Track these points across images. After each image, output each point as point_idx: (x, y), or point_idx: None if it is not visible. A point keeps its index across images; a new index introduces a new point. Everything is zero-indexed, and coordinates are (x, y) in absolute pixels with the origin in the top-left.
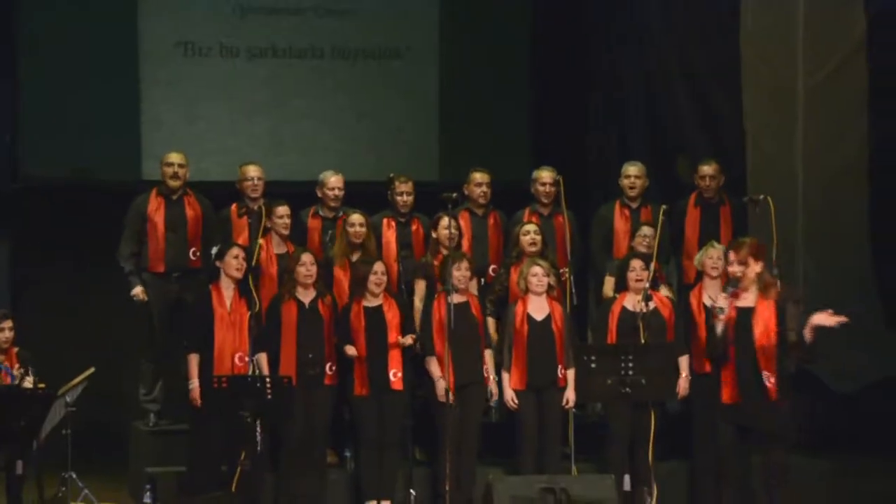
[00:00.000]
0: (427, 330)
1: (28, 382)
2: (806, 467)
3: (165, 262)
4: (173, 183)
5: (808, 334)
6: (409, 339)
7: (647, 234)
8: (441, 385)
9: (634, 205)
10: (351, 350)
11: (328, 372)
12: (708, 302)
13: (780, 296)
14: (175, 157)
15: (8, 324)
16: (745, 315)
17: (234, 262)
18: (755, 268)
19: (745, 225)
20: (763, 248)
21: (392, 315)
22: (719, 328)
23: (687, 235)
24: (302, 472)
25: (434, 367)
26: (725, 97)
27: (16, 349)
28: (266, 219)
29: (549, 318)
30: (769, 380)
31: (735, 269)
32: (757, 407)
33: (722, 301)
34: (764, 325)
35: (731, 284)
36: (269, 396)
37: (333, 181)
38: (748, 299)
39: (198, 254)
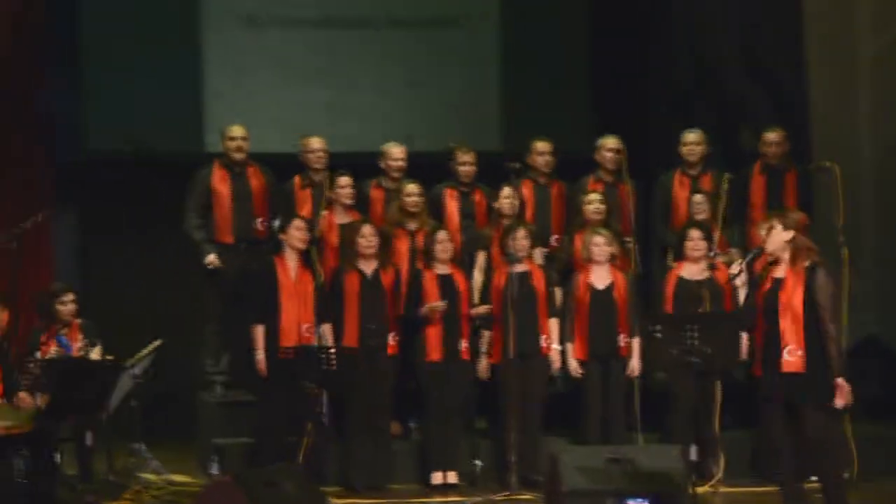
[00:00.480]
0: (487, 300)
1: (96, 354)
2: (876, 434)
3: (233, 233)
4: (237, 156)
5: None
6: (482, 309)
7: (699, 202)
8: (484, 361)
9: (694, 172)
10: (437, 305)
11: (391, 342)
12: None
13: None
14: (237, 131)
15: (70, 297)
16: (776, 285)
17: (297, 233)
18: (783, 236)
19: (811, 193)
20: (800, 219)
21: (462, 286)
22: (740, 296)
23: (753, 203)
24: (367, 442)
25: (484, 341)
26: (789, 65)
27: (79, 321)
28: (329, 190)
29: (611, 287)
30: (793, 353)
31: (762, 233)
32: (780, 378)
33: (735, 268)
34: (791, 297)
35: (755, 252)
36: (334, 367)
37: (396, 152)
38: (781, 270)
39: (265, 223)
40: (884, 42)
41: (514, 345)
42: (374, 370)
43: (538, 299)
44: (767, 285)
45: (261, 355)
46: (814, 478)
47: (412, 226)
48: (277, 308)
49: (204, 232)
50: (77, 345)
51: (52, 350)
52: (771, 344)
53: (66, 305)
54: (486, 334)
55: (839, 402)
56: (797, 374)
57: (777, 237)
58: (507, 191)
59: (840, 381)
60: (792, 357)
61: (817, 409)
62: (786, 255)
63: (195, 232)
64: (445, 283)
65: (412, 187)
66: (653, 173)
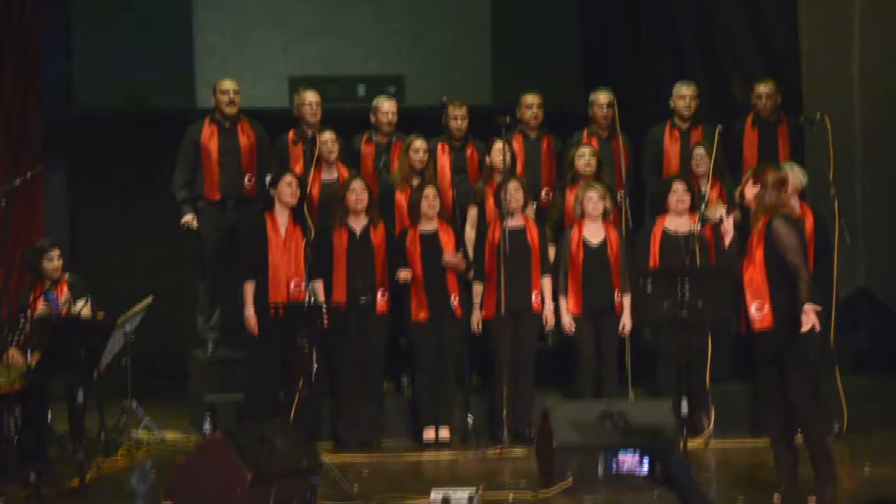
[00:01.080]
0: (479, 254)
1: (86, 311)
2: (866, 386)
3: (221, 190)
4: (229, 110)
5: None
6: (453, 257)
7: (700, 154)
8: (476, 316)
9: (685, 126)
10: (405, 273)
11: (380, 299)
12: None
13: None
14: (229, 84)
15: (56, 252)
16: (748, 244)
17: (287, 189)
18: (752, 190)
19: (803, 144)
20: (770, 174)
21: (447, 240)
22: (726, 242)
23: (745, 156)
24: (359, 398)
25: (476, 294)
26: (780, 16)
27: (66, 276)
28: (315, 147)
29: (604, 242)
30: (760, 309)
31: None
32: (758, 336)
33: (717, 213)
34: (751, 252)
35: (734, 204)
36: (325, 324)
37: (387, 106)
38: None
39: (253, 180)
40: None
41: (505, 299)
42: (364, 327)
43: (532, 254)
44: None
45: (250, 311)
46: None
47: (416, 182)
48: (266, 264)
49: (187, 191)
50: (63, 299)
51: (41, 308)
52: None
53: (53, 262)
54: (478, 288)
55: (805, 326)
56: (768, 330)
57: (749, 192)
58: (499, 144)
59: (807, 306)
60: (759, 313)
61: (794, 368)
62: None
63: (179, 191)
64: (429, 241)
65: (419, 143)
66: (645, 127)
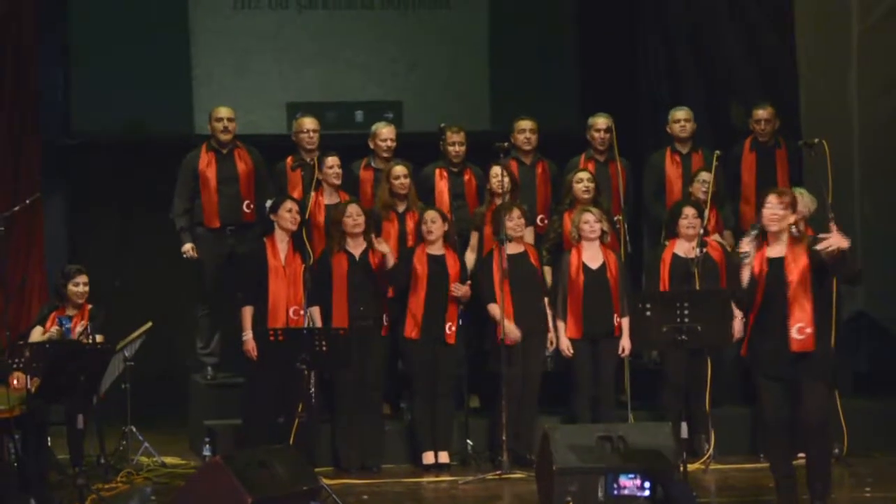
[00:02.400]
0: (487, 279)
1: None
2: (865, 410)
3: (220, 217)
4: (224, 137)
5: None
6: (464, 289)
7: (706, 180)
8: (510, 327)
9: (685, 150)
10: (382, 246)
11: (384, 323)
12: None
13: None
14: (224, 112)
15: (83, 278)
16: (777, 265)
17: (287, 214)
18: (790, 218)
19: (801, 168)
20: (790, 195)
21: (454, 267)
22: (745, 275)
23: (744, 180)
24: (358, 422)
25: (496, 311)
26: (779, 40)
27: (90, 306)
28: (318, 171)
29: (603, 266)
30: (803, 332)
31: (779, 213)
32: (785, 357)
33: (745, 245)
34: (799, 273)
35: (754, 229)
36: (324, 349)
37: (385, 132)
38: (777, 250)
39: (251, 207)
40: (873, 18)
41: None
42: (364, 350)
43: (536, 279)
44: (765, 266)
45: (249, 335)
46: (801, 455)
47: (401, 208)
48: (266, 290)
49: (187, 219)
50: (78, 329)
51: (53, 329)
52: (776, 322)
53: (78, 287)
54: (496, 308)
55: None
56: (806, 352)
57: (788, 219)
58: (496, 170)
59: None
60: (801, 335)
61: (820, 386)
62: (783, 235)
63: (178, 219)
64: (436, 263)
65: (399, 169)
66: (643, 151)
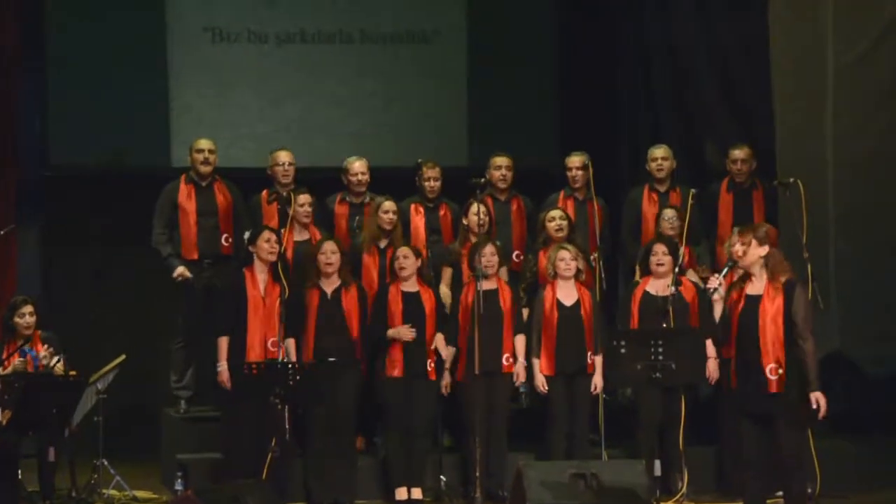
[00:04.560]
0: (454, 318)
1: (59, 367)
2: (839, 450)
3: (198, 249)
4: (204, 169)
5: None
6: (447, 349)
7: (671, 217)
8: (446, 379)
9: (663, 188)
10: (405, 334)
11: (357, 359)
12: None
13: (788, 280)
14: (205, 144)
15: (28, 309)
16: (753, 303)
17: (266, 245)
18: (759, 251)
19: (776, 208)
20: (772, 233)
21: (430, 304)
22: (718, 310)
23: (720, 220)
24: (330, 458)
25: (447, 357)
26: (754, 79)
27: (39, 332)
28: (289, 207)
29: (577, 303)
30: (775, 372)
31: (738, 248)
32: (759, 396)
33: (714, 282)
34: (772, 314)
35: (728, 265)
36: (295, 382)
37: (357, 166)
38: (757, 287)
39: (230, 240)
40: (849, 59)
41: (479, 362)
42: (336, 386)
43: (504, 317)
44: (741, 303)
45: (224, 366)
46: (779, 493)
47: (383, 244)
48: (244, 321)
49: (171, 245)
50: (42, 353)
51: (18, 361)
52: (751, 360)
53: (24, 318)
54: (450, 351)
55: (822, 415)
56: (777, 393)
57: (754, 252)
58: (475, 207)
59: (818, 395)
60: (773, 376)
61: (793, 425)
62: (759, 271)
63: (162, 247)
64: (412, 300)
65: (389, 204)
66: (622, 189)
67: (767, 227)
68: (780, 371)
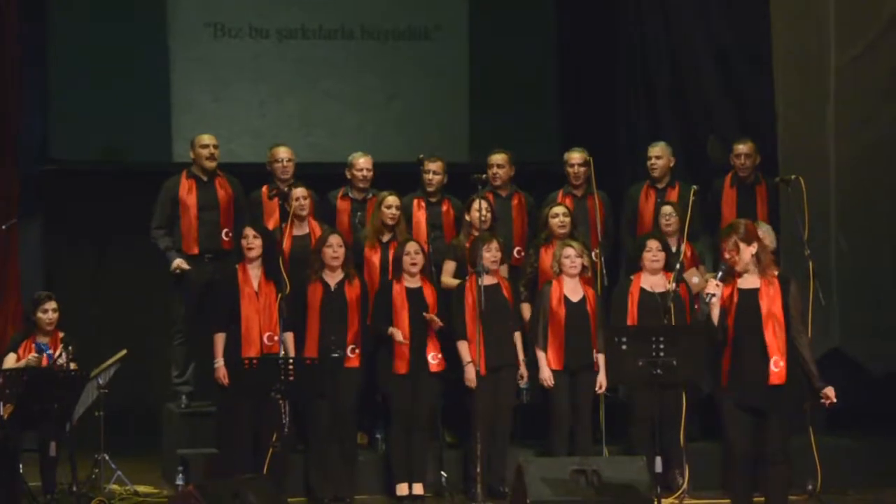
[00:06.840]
0: (459, 312)
1: (62, 361)
2: (840, 447)
3: (199, 244)
4: (209, 164)
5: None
6: (438, 322)
7: (667, 213)
8: (470, 370)
9: (661, 185)
10: (398, 335)
11: (350, 355)
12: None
13: (781, 274)
14: (209, 139)
15: (52, 304)
16: (750, 297)
17: (243, 241)
18: (749, 250)
19: (778, 205)
20: (751, 227)
21: (431, 298)
22: (715, 314)
23: (724, 216)
24: (332, 453)
25: (464, 351)
26: (756, 76)
27: (61, 334)
28: (287, 203)
29: (584, 299)
30: (777, 364)
31: (727, 258)
32: (758, 387)
33: (712, 287)
34: (772, 306)
35: (723, 269)
36: (292, 378)
37: (362, 162)
38: (750, 281)
39: (230, 234)
40: (850, 55)
41: (484, 357)
42: (337, 381)
43: (509, 311)
44: (735, 297)
45: (220, 362)
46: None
47: (386, 238)
48: (238, 316)
49: (169, 240)
50: (56, 353)
51: (31, 356)
52: (752, 356)
53: (47, 314)
54: (464, 345)
55: (830, 402)
56: (780, 384)
57: (745, 253)
58: (477, 203)
59: (829, 389)
60: (777, 368)
61: (787, 420)
62: (752, 266)
63: (161, 240)
64: (415, 296)
65: (392, 199)
66: (623, 185)
67: (745, 223)
68: (782, 363)
